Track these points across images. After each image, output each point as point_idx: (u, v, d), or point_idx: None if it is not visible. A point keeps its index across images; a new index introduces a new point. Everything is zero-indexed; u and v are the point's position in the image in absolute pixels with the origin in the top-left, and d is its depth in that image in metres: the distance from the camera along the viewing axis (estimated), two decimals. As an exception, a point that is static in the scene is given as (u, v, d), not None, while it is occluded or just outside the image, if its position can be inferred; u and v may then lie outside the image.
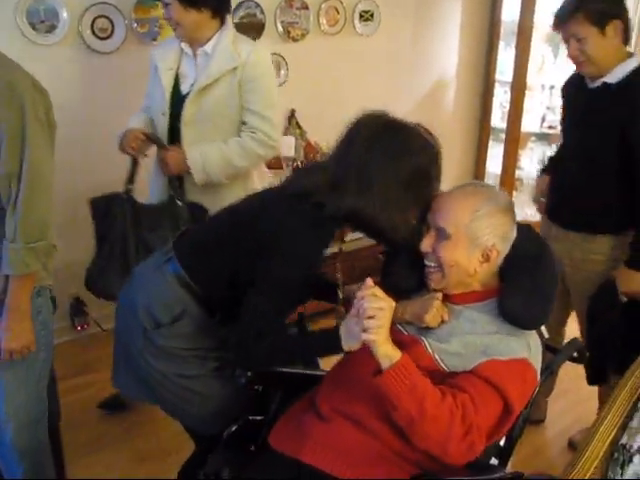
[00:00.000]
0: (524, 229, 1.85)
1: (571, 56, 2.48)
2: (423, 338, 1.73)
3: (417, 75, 4.79)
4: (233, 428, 1.98)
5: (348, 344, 1.66)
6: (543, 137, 5.26)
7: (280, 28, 4.00)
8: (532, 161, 5.27)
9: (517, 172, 5.19)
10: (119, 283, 2.21)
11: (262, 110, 2.65)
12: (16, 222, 1.85)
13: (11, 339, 1.95)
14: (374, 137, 1.74)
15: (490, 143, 5.28)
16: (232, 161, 2.65)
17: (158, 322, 1.90)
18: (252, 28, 3.87)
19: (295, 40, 4.07)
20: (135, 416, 3.10)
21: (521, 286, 1.75)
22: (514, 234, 1.80)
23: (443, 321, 1.77)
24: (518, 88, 4.91)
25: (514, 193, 5.20)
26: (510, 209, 1.80)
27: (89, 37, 3.35)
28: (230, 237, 1.86)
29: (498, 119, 5.22)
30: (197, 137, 2.67)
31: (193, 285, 1.89)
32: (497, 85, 5.17)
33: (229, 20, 2.70)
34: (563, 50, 4.88)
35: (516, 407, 1.63)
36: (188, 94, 2.65)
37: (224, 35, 2.65)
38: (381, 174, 1.72)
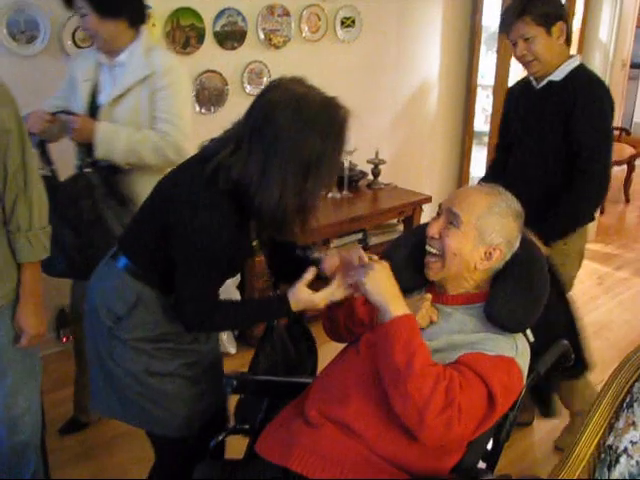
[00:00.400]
0: None
1: (519, 56, 2.60)
2: None
3: (399, 80, 4.80)
4: (220, 437, 1.97)
5: (299, 305, 1.83)
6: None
7: (262, 35, 4.00)
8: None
9: (501, 175, 5.19)
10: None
11: (172, 118, 2.60)
12: (30, 210, 1.94)
13: (39, 324, 2.03)
14: (277, 109, 1.68)
15: (474, 147, 5.32)
16: (140, 152, 2.57)
17: (118, 316, 1.92)
18: (234, 36, 3.88)
19: (277, 47, 4.08)
20: (113, 430, 3.08)
21: (506, 289, 1.77)
22: (518, 243, 1.82)
23: (432, 322, 1.79)
24: (500, 91, 4.95)
25: None
26: (520, 217, 1.83)
27: (71, 48, 3.34)
28: (152, 214, 1.88)
29: (481, 123, 5.32)
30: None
31: (139, 270, 1.92)
32: (479, 89, 5.22)
33: (144, 30, 2.65)
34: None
35: (500, 399, 1.62)
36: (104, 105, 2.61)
37: (137, 45, 2.61)
38: (277, 151, 1.69)
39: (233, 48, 3.91)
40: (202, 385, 2.01)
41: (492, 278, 1.83)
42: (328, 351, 2.07)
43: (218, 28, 3.80)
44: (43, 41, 3.26)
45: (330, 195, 4.11)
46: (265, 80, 4.04)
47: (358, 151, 4.02)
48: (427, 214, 4.28)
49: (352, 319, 1.91)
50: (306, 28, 4.19)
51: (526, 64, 2.61)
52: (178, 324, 1.90)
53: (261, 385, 2.08)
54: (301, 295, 1.84)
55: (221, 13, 3.80)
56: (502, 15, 2.64)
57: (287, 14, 4.07)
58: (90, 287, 2.03)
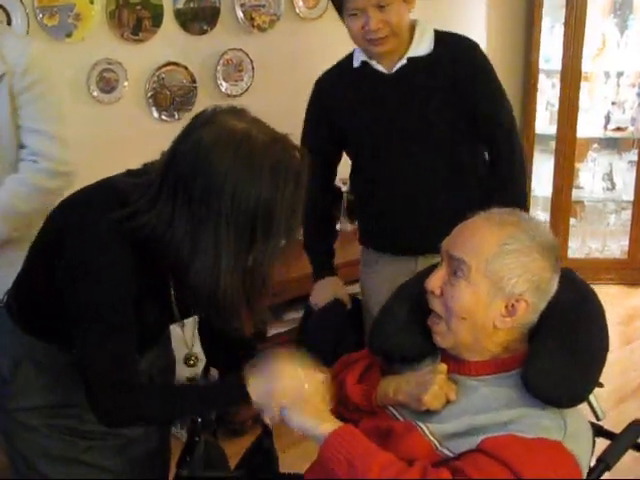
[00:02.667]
0: (561, 272, 1.86)
1: (371, 30, 2.55)
2: (420, 423, 1.75)
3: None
4: None
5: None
6: (609, 143, 5.31)
7: (240, 14, 4.04)
8: (595, 177, 5.32)
9: (575, 192, 5.23)
10: None
11: (45, 126, 2.62)
12: None
13: None
14: (211, 153, 1.70)
15: (536, 155, 5.32)
16: (16, 207, 2.60)
17: (3, 377, 1.97)
18: (203, 15, 3.93)
19: (261, 29, 4.12)
20: None
21: (551, 347, 1.77)
22: (553, 286, 1.82)
23: (449, 401, 1.78)
24: (571, 79, 4.98)
25: (572, 221, 5.25)
26: (553, 252, 1.82)
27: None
28: (42, 252, 1.94)
29: (545, 122, 5.28)
30: None
31: (30, 321, 1.97)
32: (542, 76, 5.23)
33: None
34: (634, 24, 4.94)
35: None
36: None
37: None
38: (210, 209, 1.71)
39: (202, 32, 3.95)
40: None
41: (528, 334, 1.83)
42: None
43: (181, 5, 3.85)
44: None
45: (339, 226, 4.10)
46: (247, 75, 4.10)
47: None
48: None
49: (344, 405, 1.94)
50: (300, 2, 4.25)
51: (376, 41, 2.59)
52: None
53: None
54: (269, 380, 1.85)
55: (184, -16, 3.85)
56: None
57: (274, -16, 4.14)
58: None
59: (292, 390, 1.81)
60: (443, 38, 2.72)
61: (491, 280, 1.75)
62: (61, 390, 1.96)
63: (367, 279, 2.95)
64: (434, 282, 1.81)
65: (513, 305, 1.76)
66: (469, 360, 1.83)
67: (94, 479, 1.99)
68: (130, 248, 1.77)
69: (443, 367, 1.81)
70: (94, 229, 1.79)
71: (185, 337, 2.14)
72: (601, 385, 1.94)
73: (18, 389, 1.97)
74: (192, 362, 2.20)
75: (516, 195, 2.69)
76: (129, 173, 1.91)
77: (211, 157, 1.69)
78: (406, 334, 1.90)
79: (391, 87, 2.70)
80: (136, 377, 1.89)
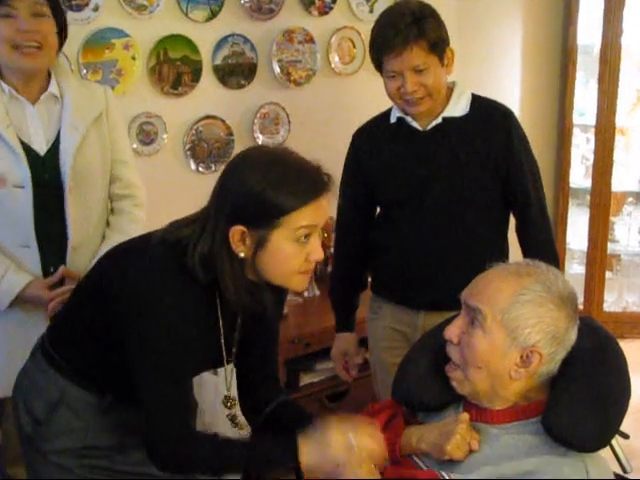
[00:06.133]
0: (581, 321, 1.87)
1: (407, 92, 2.59)
2: (443, 473, 1.75)
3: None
4: None
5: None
6: (644, 197, 5.26)
7: (277, 69, 4.12)
8: (631, 230, 5.28)
9: (610, 246, 5.20)
10: None
11: (129, 157, 2.87)
12: None
13: None
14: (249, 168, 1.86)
15: (571, 209, 5.30)
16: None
17: (37, 419, 2.01)
18: (240, 70, 4.01)
19: (298, 84, 4.20)
20: None
21: (571, 392, 1.78)
22: (571, 337, 1.82)
23: (471, 450, 1.79)
24: (605, 133, 4.98)
25: (608, 274, 5.20)
26: (569, 302, 1.82)
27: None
28: (91, 298, 2.00)
29: (580, 176, 5.27)
30: (81, 206, 2.71)
31: (67, 364, 2.02)
32: (577, 130, 5.23)
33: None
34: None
35: None
36: (53, 155, 2.67)
37: (65, 70, 2.81)
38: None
39: (240, 87, 4.03)
40: None
41: (548, 382, 1.83)
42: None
43: (219, 61, 3.93)
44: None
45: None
46: (283, 129, 4.16)
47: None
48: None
49: None
50: (336, 58, 4.32)
51: (414, 102, 2.64)
52: (117, 435, 1.99)
53: None
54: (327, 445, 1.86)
55: (223, 41, 3.93)
56: (378, 36, 2.65)
57: (311, 40, 4.20)
58: (14, 386, 2.16)
59: (343, 457, 1.82)
60: (479, 102, 2.76)
61: (506, 330, 1.76)
62: (91, 434, 2.01)
63: (371, 324, 2.98)
64: (452, 330, 1.84)
65: (527, 356, 1.77)
66: (490, 408, 1.84)
67: None
68: (186, 288, 1.86)
69: (465, 416, 1.83)
70: (151, 277, 1.87)
71: (226, 380, 2.17)
72: (626, 436, 1.95)
73: (52, 432, 2.02)
74: (230, 404, 2.23)
75: (549, 260, 2.68)
76: (172, 223, 1.98)
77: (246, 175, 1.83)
78: (428, 383, 1.92)
79: (424, 144, 2.72)
80: (193, 424, 1.96)
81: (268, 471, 2.06)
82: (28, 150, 2.62)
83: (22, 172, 2.58)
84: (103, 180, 2.78)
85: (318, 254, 1.87)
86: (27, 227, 2.61)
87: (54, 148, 2.67)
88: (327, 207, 1.89)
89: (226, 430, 2.20)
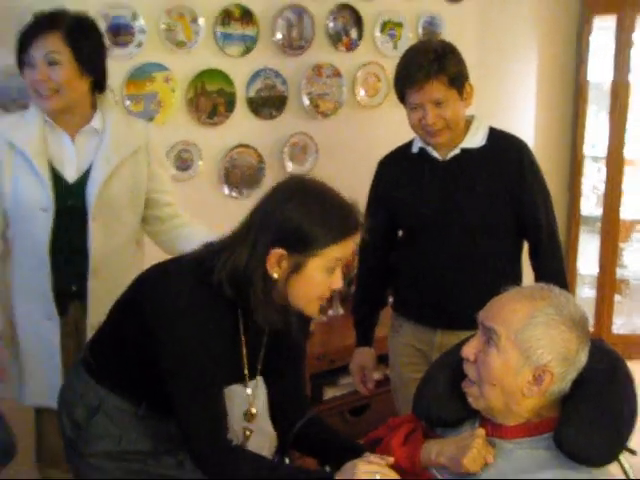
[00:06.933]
0: (592, 343, 1.97)
1: (428, 124, 2.76)
2: None
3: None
4: None
5: None
6: (651, 225, 5.35)
7: (306, 101, 4.27)
8: (639, 256, 5.36)
9: (619, 271, 5.28)
10: None
11: (169, 188, 3.07)
12: None
13: None
14: (281, 197, 2.04)
15: (582, 236, 5.40)
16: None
17: (78, 424, 2.19)
18: (272, 102, 4.16)
19: (325, 115, 4.36)
20: None
21: (582, 410, 1.88)
22: (582, 358, 1.90)
23: (487, 463, 1.90)
24: (615, 164, 5.10)
25: (617, 298, 5.29)
26: (580, 325, 1.90)
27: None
28: (131, 315, 2.15)
29: (591, 205, 5.35)
30: (105, 234, 2.86)
31: (105, 374, 2.20)
32: (588, 161, 5.34)
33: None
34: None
35: None
36: (81, 183, 2.82)
37: (110, 103, 2.99)
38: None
39: (271, 117, 4.19)
40: None
41: (559, 401, 1.93)
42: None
43: (252, 93, 4.08)
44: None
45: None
46: (311, 157, 4.31)
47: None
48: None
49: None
50: (362, 91, 4.47)
51: (433, 133, 2.79)
52: (151, 441, 2.16)
53: None
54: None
55: (256, 75, 4.08)
56: (402, 71, 2.81)
57: (338, 74, 4.35)
58: (59, 394, 2.34)
59: None
60: (496, 134, 2.92)
61: (520, 350, 1.84)
62: (126, 440, 2.17)
63: (392, 341, 3.12)
64: (469, 349, 1.93)
65: (540, 375, 1.84)
66: (505, 424, 1.93)
67: None
68: (211, 305, 2.02)
69: (481, 431, 1.92)
70: (179, 295, 2.03)
71: (249, 396, 2.31)
72: (634, 452, 2.03)
73: (91, 436, 2.18)
74: (248, 418, 2.37)
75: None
76: (206, 244, 2.15)
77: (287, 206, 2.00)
78: (446, 401, 2.02)
79: (444, 173, 2.88)
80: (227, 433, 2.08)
81: None
82: (57, 177, 2.79)
83: (45, 198, 2.74)
84: (131, 209, 2.93)
85: (339, 284, 2.03)
86: (42, 249, 2.76)
87: (84, 177, 2.82)
88: (357, 242, 2.06)
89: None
